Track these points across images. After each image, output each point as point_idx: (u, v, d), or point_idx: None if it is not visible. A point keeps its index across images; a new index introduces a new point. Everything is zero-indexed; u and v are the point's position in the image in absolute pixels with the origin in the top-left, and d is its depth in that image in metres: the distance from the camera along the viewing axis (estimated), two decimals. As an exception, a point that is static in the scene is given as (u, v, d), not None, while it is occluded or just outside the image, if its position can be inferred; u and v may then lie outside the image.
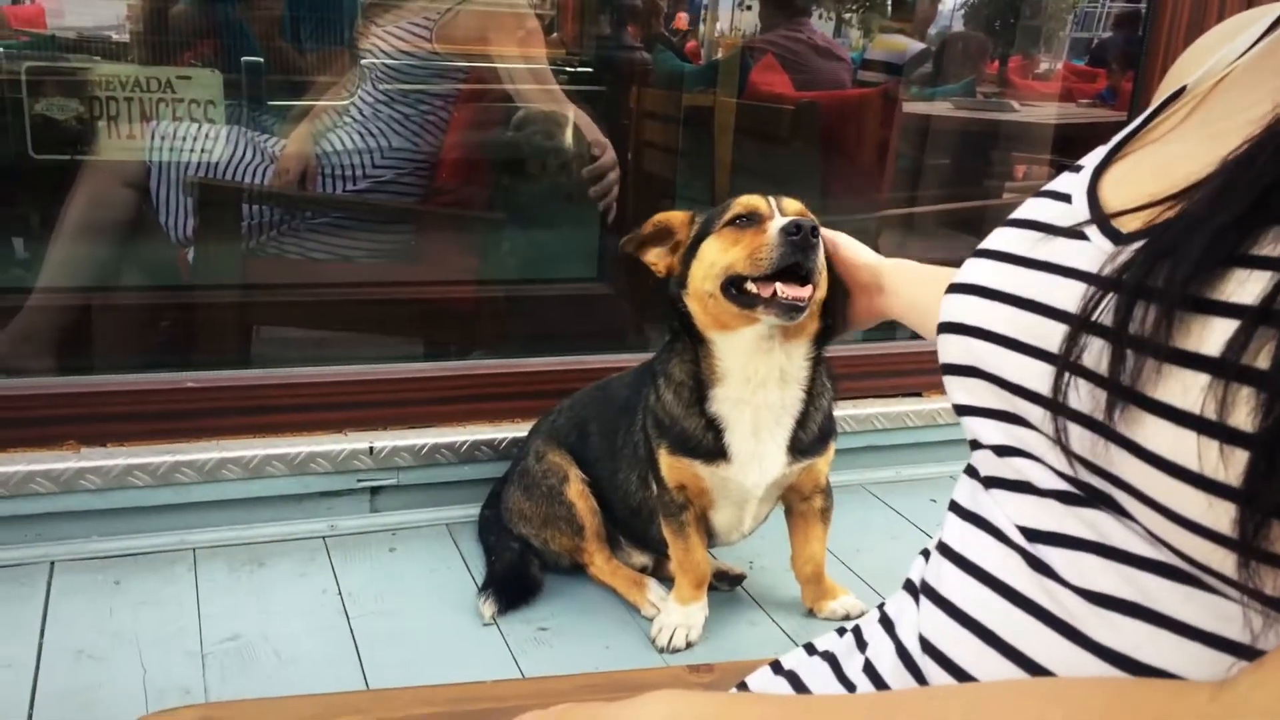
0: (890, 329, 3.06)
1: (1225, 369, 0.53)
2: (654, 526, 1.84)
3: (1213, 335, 0.55)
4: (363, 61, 2.71)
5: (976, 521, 0.73)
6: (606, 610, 1.90)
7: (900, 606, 0.82)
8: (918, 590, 0.79)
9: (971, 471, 0.76)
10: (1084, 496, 0.64)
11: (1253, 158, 0.58)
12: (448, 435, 2.16)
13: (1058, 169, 0.80)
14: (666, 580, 1.91)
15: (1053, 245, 0.70)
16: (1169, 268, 0.58)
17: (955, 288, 0.77)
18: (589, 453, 1.94)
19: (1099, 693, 0.60)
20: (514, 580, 1.91)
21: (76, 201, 2.49)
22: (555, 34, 3.55)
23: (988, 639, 0.68)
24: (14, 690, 1.57)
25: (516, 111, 2.78)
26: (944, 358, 0.76)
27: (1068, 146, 3.85)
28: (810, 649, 0.94)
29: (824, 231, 1.55)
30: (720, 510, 1.78)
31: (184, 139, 2.52)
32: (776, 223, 1.54)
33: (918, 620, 0.77)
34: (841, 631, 0.92)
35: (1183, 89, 0.78)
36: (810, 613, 1.92)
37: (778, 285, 1.51)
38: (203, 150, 2.54)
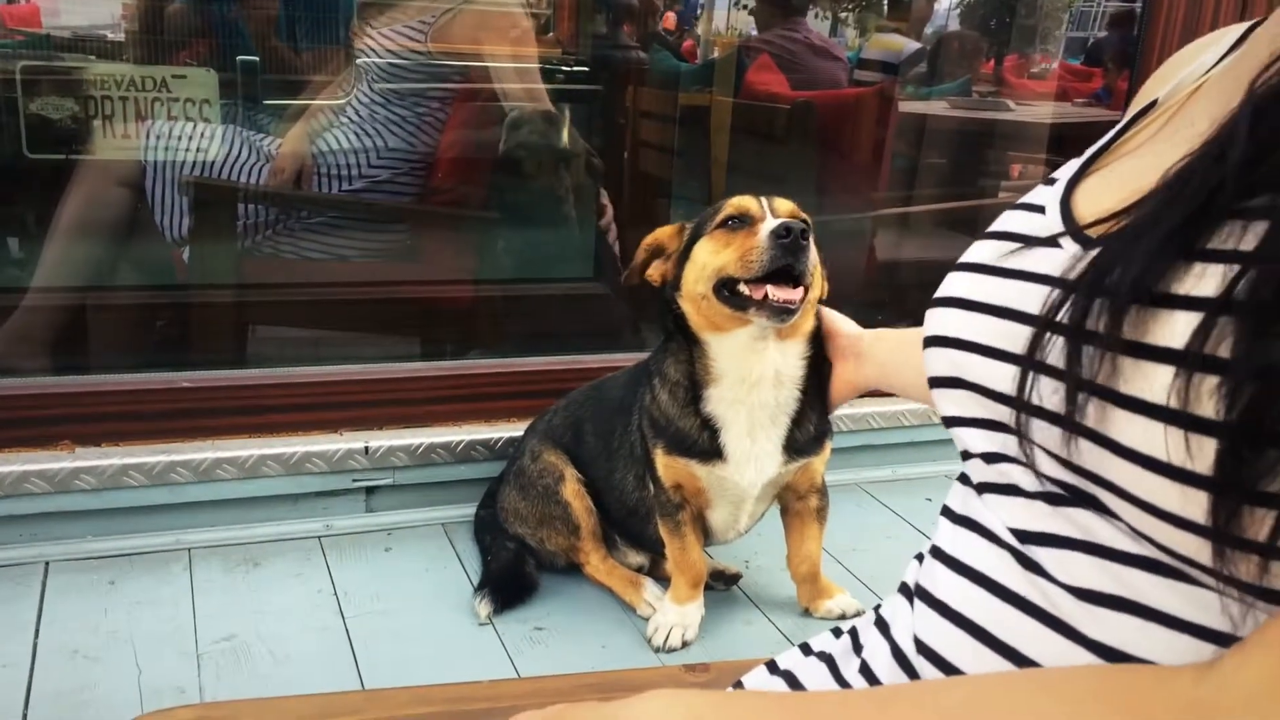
0: (887, 325, 3.08)
1: (1189, 360, 0.55)
2: (650, 526, 1.84)
3: (1175, 328, 0.57)
4: (358, 61, 2.71)
5: (969, 525, 0.74)
6: (602, 610, 1.90)
7: (895, 609, 0.83)
8: (912, 593, 0.79)
9: (964, 479, 0.77)
10: (1069, 497, 0.65)
11: (1200, 161, 0.61)
12: (443, 435, 2.16)
13: (1053, 168, 0.83)
14: (663, 580, 1.92)
15: (1028, 255, 0.72)
16: (1123, 266, 0.60)
17: (937, 302, 0.79)
18: (585, 452, 1.94)
19: (1088, 679, 0.62)
20: (510, 580, 1.91)
21: (72, 201, 2.48)
22: (551, 33, 3.55)
23: (982, 638, 0.69)
24: (9, 690, 1.57)
25: (511, 111, 2.78)
26: (930, 371, 0.78)
27: (1063, 146, 3.85)
28: (806, 649, 0.95)
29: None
30: (716, 510, 1.78)
31: (179, 138, 2.52)
32: (767, 225, 1.54)
33: (912, 622, 0.78)
34: (837, 632, 0.93)
35: (1154, 103, 0.81)
36: (806, 612, 1.92)
37: (769, 288, 1.52)
38: (198, 149, 2.54)
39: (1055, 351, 0.63)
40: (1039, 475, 0.67)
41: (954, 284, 0.78)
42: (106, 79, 2.45)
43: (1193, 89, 0.77)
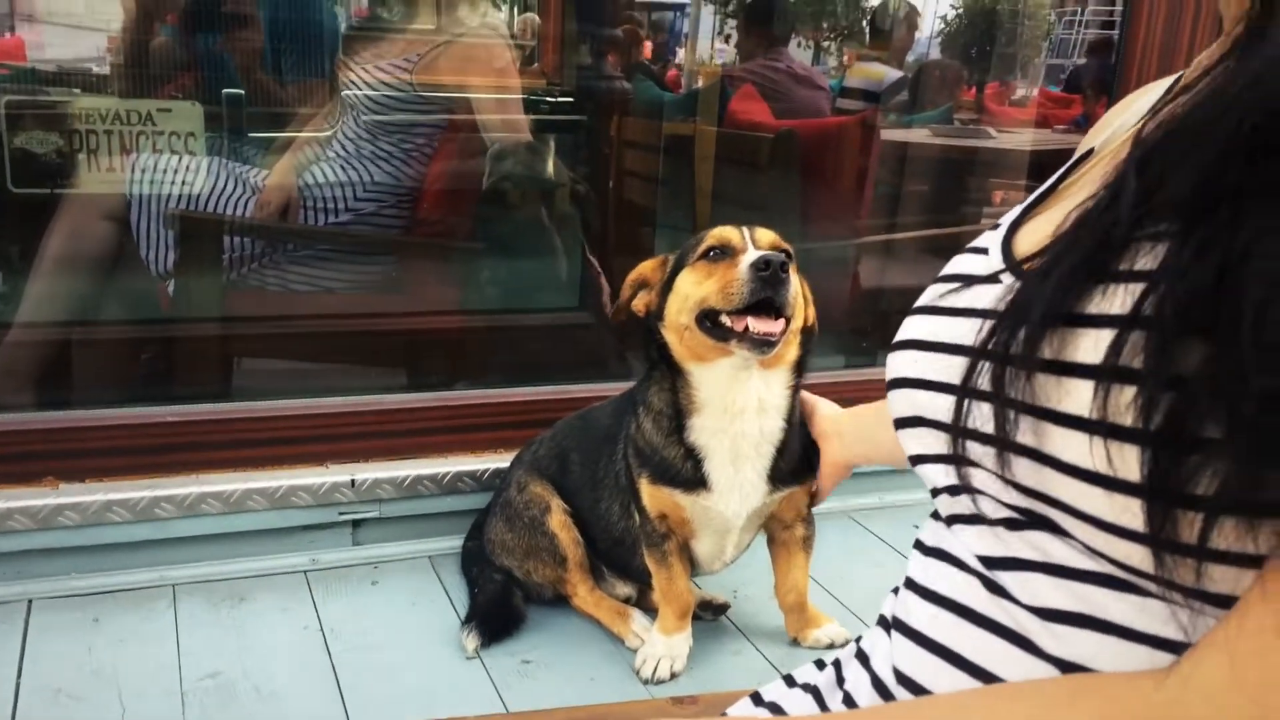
0: (872, 352, 3.09)
1: (1106, 374, 0.59)
2: (637, 556, 1.84)
3: (1092, 345, 0.61)
4: (344, 95, 2.72)
5: (939, 555, 0.77)
6: (590, 642, 1.89)
7: (874, 640, 0.85)
8: (889, 624, 0.81)
9: (935, 515, 0.81)
10: (1026, 520, 0.68)
11: (1098, 203, 0.66)
12: (429, 467, 2.15)
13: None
14: (650, 611, 1.91)
15: (971, 292, 0.77)
16: (1036, 295, 0.65)
17: (894, 346, 0.83)
18: (571, 483, 1.94)
19: (1057, 688, 0.65)
20: (497, 612, 1.90)
21: (56, 235, 2.48)
22: (536, 64, 3.57)
23: (956, 663, 0.72)
24: (-10, 731, 1.55)
25: (493, 144, 2.80)
26: (893, 413, 0.82)
27: (1044, 172, 3.86)
28: (790, 681, 0.96)
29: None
30: (702, 539, 1.78)
31: (164, 172, 2.52)
32: (748, 257, 1.55)
33: (890, 652, 0.79)
34: (820, 664, 0.94)
35: (1091, 151, 0.87)
36: (795, 642, 1.92)
37: (750, 320, 1.52)
38: (183, 183, 2.54)
39: (986, 378, 0.67)
40: (998, 503, 0.70)
41: (908, 327, 0.82)
42: (91, 112, 2.46)
43: (1125, 138, 0.81)
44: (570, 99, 3.39)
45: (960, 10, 5.75)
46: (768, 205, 3.42)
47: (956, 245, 0.87)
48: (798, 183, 3.52)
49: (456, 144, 2.81)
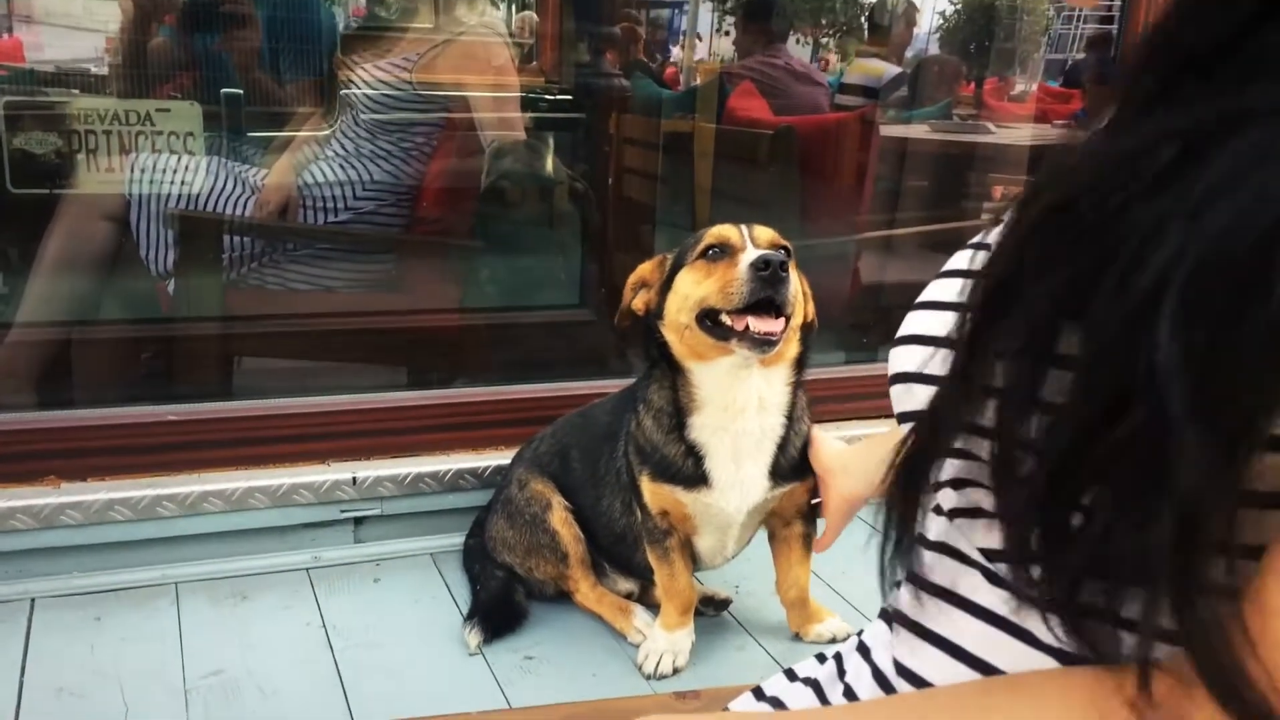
0: (873, 349, 3.09)
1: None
2: (639, 552, 1.84)
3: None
4: (343, 94, 2.72)
5: (942, 549, 0.77)
6: (593, 638, 1.90)
7: (875, 633, 0.86)
8: (890, 617, 0.82)
9: (937, 509, 0.80)
10: None
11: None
12: (431, 464, 2.16)
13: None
14: (653, 606, 1.91)
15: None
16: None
17: (896, 341, 0.83)
18: (572, 480, 1.94)
19: (1053, 680, 0.65)
20: (499, 609, 1.90)
21: (56, 235, 2.48)
22: (535, 62, 3.57)
23: (958, 655, 0.72)
24: (-6, 730, 1.56)
25: (491, 142, 2.80)
26: (896, 408, 0.82)
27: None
28: (791, 675, 0.96)
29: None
30: (704, 536, 1.79)
31: (164, 171, 2.52)
32: (748, 256, 1.55)
33: (892, 645, 0.80)
34: (821, 658, 0.94)
35: None
36: (797, 636, 1.92)
37: (749, 319, 1.53)
38: (183, 183, 2.54)
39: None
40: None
41: (910, 323, 0.82)
42: (90, 113, 2.46)
43: None
44: (569, 97, 3.39)
45: (959, 6, 5.75)
46: (767, 202, 3.42)
47: (956, 241, 0.86)
48: (797, 179, 3.52)
49: (455, 142, 2.81)
